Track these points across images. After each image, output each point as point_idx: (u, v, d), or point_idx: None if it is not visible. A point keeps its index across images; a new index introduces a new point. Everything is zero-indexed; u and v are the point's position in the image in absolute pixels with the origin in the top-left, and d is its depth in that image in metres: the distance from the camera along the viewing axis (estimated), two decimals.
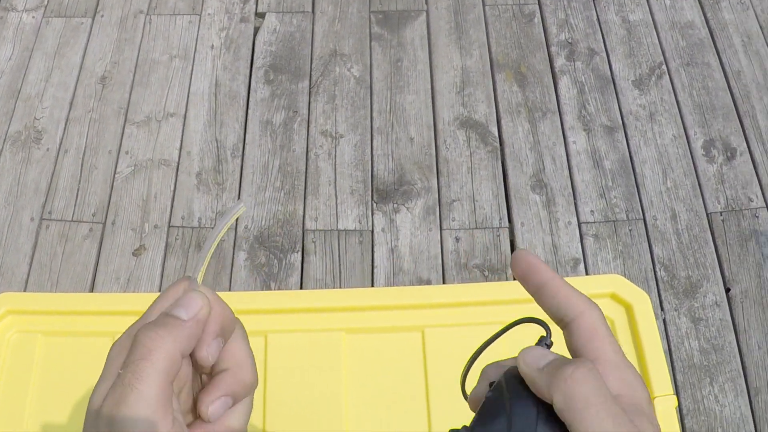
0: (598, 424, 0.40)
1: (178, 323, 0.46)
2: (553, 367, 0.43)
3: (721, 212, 2.22)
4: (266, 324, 0.97)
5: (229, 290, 2.01)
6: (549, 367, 0.44)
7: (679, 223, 2.19)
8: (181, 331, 0.45)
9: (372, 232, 2.13)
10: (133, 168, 2.22)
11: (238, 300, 0.97)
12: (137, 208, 2.15)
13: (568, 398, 0.41)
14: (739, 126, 2.37)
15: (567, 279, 1.00)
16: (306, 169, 2.23)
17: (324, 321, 0.98)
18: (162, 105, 2.34)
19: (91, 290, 2.02)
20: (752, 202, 2.24)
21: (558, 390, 0.42)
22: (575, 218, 2.18)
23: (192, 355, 0.48)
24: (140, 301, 0.96)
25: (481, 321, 0.99)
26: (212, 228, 0.43)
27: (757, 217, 2.22)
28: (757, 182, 2.28)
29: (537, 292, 0.51)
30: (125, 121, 2.32)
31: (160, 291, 2.00)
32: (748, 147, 2.33)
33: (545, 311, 0.51)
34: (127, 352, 0.45)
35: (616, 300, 1.01)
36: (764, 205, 2.24)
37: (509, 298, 1.00)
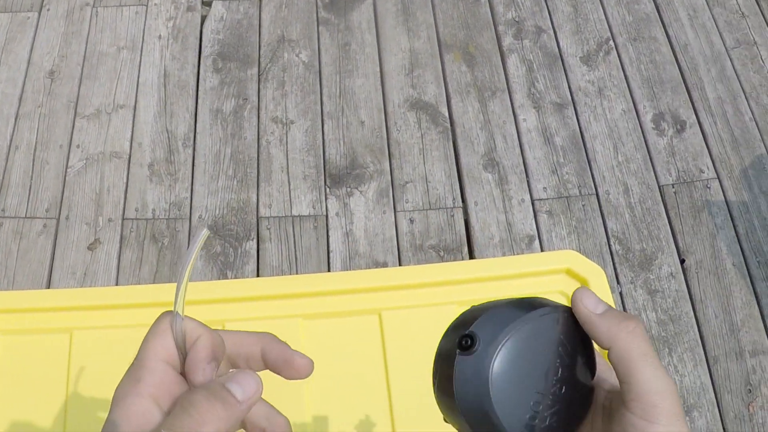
0: (652, 373, 0.45)
1: (234, 402, 0.45)
2: (614, 317, 0.48)
3: (672, 184, 2.24)
4: (223, 313, 0.97)
5: None
6: (607, 316, 0.48)
7: (632, 197, 2.21)
8: (235, 411, 0.45)
9: (326, 216, 2.13)
10: (84, 162, 2.20)
11: (193, 290, 0.95)
12: (91, 202, 2.14)
13: (628, 350, 0.46)
14: (688, 98, 2.39)
15: (524, 256, 1.01)
16: (258, 156, 2.23)
17: (281, 308, 0.97)
18: (111, 97, 2.32)
19: (48, 286, 2.00)
20: (703, 173, 2.27)
21: (619, 340, 0.46)
22: (528, 195, 2.20)
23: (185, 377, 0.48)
24: (97, 296, 0.96)
25: (438, 302, 0.99)
26: (181, 258, 0.44)
27: (709, 188, 2.24)
28: (708, 153, 2.30)
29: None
30: (75, 114, 2.30)
31: (116, 285, 1.99)
32: (698, 119, 2.35)
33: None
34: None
35: (571, 275, 1.01)
36: (715, 176, 2.26)
37: (465, 277, 1.00)
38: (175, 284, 0.47)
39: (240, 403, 0.45)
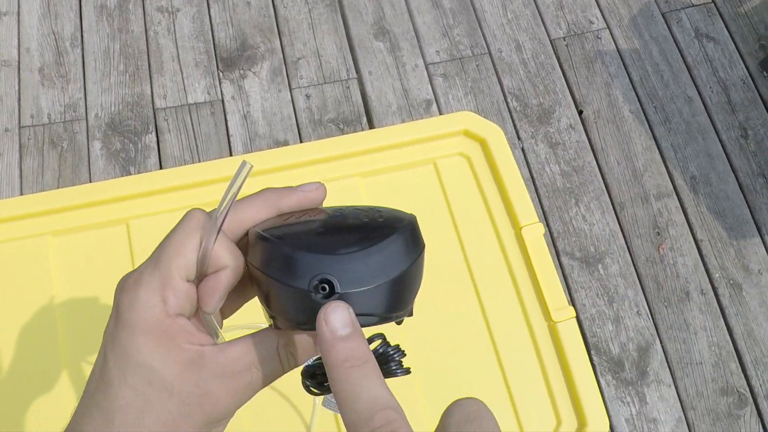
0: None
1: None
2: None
3: (564, 37, 2.27)
4: (127, 210, 0.96)
5: (90, 182, 2.00)
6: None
7: (525, 53, 2.24)
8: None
9: (222, 101, 2.12)
10: None
11: (95, 190, 0.95)
12: None
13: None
14: None
15: (421, 121, 1.01)
16: (147, 48, 2.20)
17: (186, 198, 0.96)
18: None
19: None
20: (593, 24, 2.30)
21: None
22: (422, 60, 2.21)
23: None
24: (1, 208, 0.94)
25: (341, 175, 1.00)
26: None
27: (600, 38, 2.27)
28: (596, 4, 2.33)
29: None
30: None
31: (21, 194, 1.97)
32: None
33: None
34: None
35: (470, 136, 1.02)
36: (605, 26, 2.29)
37: (365, 148, 1.00)
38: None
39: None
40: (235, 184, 0.44)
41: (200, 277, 0.45)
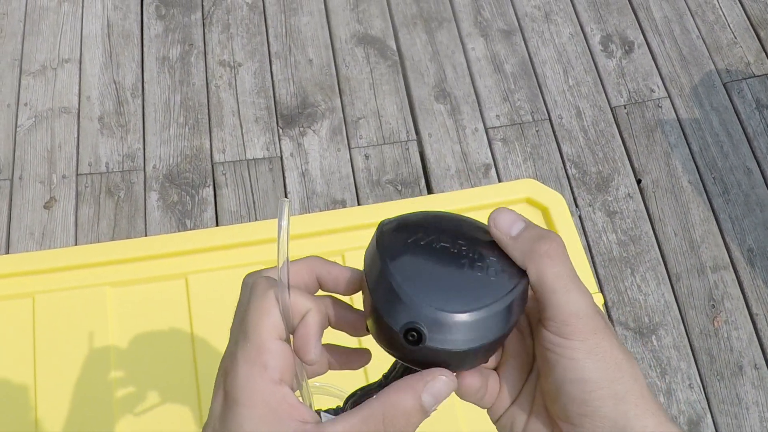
0: (564, 295, 0.45)
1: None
2: (527, 240, 0.47)
3: (624, 105, 2.26)
4: (185, 266, 0.95)
5: (145, 232, 2.00)
6: (522, 238, 0.47)
7: (585, 120, 2.22)
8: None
9: (281, 158, 2.12)
10: (34, 119, 2.17)
11: (153, 245, 0.95)
12: (43, 160, 2.11)
13: (542, 274, 0.46)
14: (635, 19, 2.39)
15: (483, 187, 1.00)
16: (208, 101, 2.21)
17: (243, 256, 0.96)
18: (56, 52, 2.28)
19: (7, 249, 1.98)
20: (654, 92, 2.28)
21: (533, 264, 0.46)
22: (482, 124, 2.20)
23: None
24: (57, 258, 0.94)
25: None
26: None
27: (660, 107, 2.26)
28: (657, 73, 2.31)
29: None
30: (20, 72, 2.26)
31: (76, 242, 1.97)
32: (645, 39, 2.36)
33: None
34: None
35: (532, 204, 1.01)
36: (666, 95, 2.28)
37: None
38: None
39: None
40: (282, 227, 0.45)
41: (291, 330, 0.46)
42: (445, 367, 0.46)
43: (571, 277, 0.46)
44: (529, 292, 0.49)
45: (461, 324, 0.44)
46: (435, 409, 0.45)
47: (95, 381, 0.89)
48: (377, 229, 0.51)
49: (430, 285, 0.46)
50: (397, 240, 0.49)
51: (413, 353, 0.45)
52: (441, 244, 0.48)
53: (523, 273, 0.47)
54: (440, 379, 0.44)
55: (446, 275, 0.46)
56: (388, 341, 0.46)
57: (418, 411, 0.44)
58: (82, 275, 0.94)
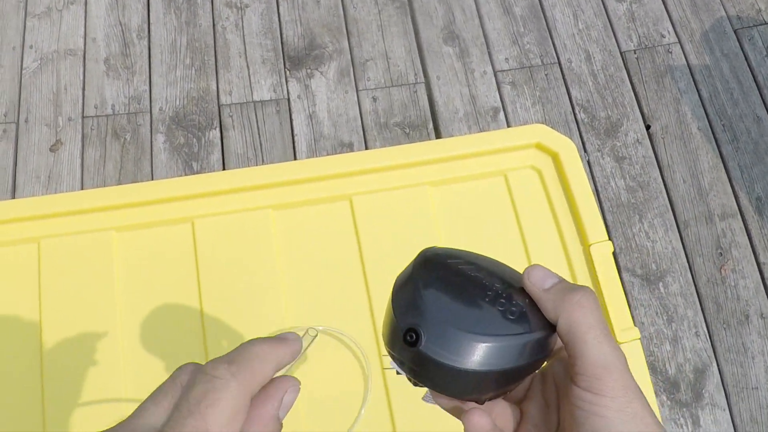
0: (597, 348, 0.45)
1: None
2: (560, 291, 0.48)
3: (634, 50, 2.23)
4: (192, 210, 0.95)
5: (152, 175, 1.99)
6: (554, 290, 0.48)
7: (594, 64, 2.20)
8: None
9: (288, 100, 2.10)
10: (39, 62, 2.16)
11: (159, 189, 0.95)
12: (49, 103, 2.10)
13: (573, 323, 0.46)
14: None
15: (493, 132, 0.99)
16: (215, 43, 2.19)
17: (250, 200, 0.96)
18: None
19: (13, 192, 1.98)
20: (664, 38, 2.26)
21: (564, 313, 0.46)
22: (490, 67, 2.18)
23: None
24: (62, 202, 0.93)
25: (409, 183, 0.98)
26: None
27: (671, 52, 2.23)
28: (668, 18, 2.29)
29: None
30: (26, 14, 2.23)
31: (82, 186, 1.96)
32: None
33: None
34: None
35: (542, 149, 1.00)
36: (676, 40, 2.25)
37: (435, 157, 0.99)
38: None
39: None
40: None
41: None
42: (438, 386, 0.47)
43: (602, 329, 0.46)
44: (557, 359, 0.51)
45: (460, 342, 0.45)
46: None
47: (101, 325, 0.89)
48: (425, 249, 0.53)
49: (449, 301, 0.47)
50: (437, 257, 0.51)
51: (409, 355, 0.46)
52: (476, 274, 0.50)
53: (547, 326, 0.48)
54: (290, 390, 0.47)
55: (468, 299, 0.48)
56: (390, 338, 0.48)
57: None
58: (87, 220, 0.94)
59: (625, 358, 0.46)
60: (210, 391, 0.42)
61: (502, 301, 0.48)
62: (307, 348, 0.48)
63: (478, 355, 0.45)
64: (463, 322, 0.46)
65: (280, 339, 0.48)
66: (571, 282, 0.50)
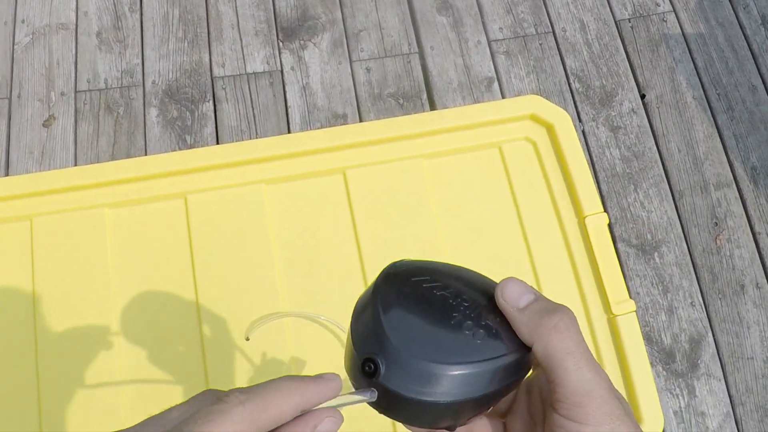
0: (577, 373, 0.42)
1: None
2: (535, 313, 0.45)
3: (629, 19, 2.22)
4: (184, 185, 0.95)
5: (145, 149, 1.99)
6: (529, 311, 0.45)
7: (589, 33, 2.19)
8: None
9: (281, 72, 2.09)
10: (31, 36, 2.14)
11: (151, 164, 0.94)
12: (41, 78, 2.09)
13: (551, 349, 0.43)
14: None
15: (486, 103, 0.99)
16: (207, 15, 2.17)
17: (242, 174, 0.96)
18: None
19: (6, 168, 1.97)
20: (659, 6, 2.24)
21: (540, 339, 0.44)
22: (484, 37, 2.17)
23: None
24: (54, 179, 0.93)
25: (402, 156, 0.98)
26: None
27: (665, 21, 2.22)
28: None
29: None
30: None
31: (75, 161, 1.95)
32: None
33: None
34: None
35: (537, 121, 1.00)
36: (671, 8, 2.24)
37: (428, 129, 0.98)
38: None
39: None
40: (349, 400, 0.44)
41: None
42: (403, 418, 0.45)
43: (582, 353, 0.43)
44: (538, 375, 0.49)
45: (422, 371, 0.43)
46: None
47: (94, 303, 0.89)
48: (390, 264, 0.49)
49: (411, 326, 0.44)
50: (400, 276, 0.48)
51: (369, 387, 0.44)
52: (443, 292, 0.47)
53: (520, 347, 0.45)
54: (326, 421, 0.42)
55: (432, 323, 0.45)
56: (350, 367, 0.46)
57: None
58: (79, 197, 0.94)
59: (609, 380, 0.43)
60: (212, 413, 0.40)
61: (470, 322, 0.45)
62: (356, 402, 0.44)
63: (443, 385, 0.43)
64: (425, 349, 0.43)
65: (314, 377, 0.44)
66: (549, 301, 0.47)
